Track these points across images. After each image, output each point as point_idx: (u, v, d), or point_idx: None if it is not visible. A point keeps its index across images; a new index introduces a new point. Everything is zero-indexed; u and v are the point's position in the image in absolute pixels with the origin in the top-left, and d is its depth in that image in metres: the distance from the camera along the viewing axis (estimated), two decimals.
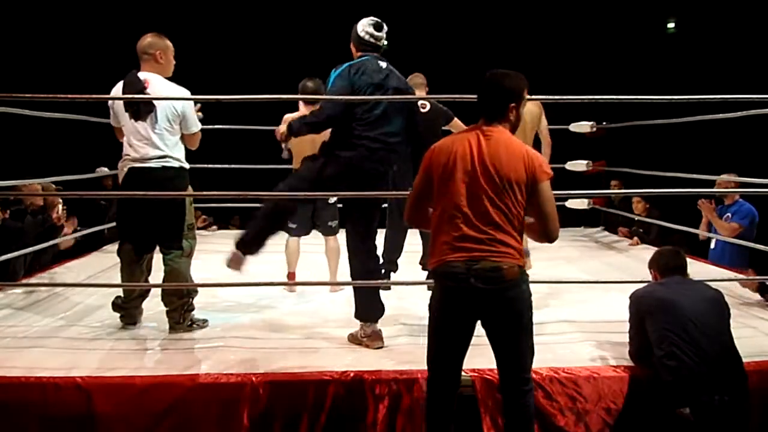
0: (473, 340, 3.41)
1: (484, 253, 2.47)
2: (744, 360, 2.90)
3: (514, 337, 2.54)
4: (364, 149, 3.34)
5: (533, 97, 4.67)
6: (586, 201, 5.58)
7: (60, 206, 5.25)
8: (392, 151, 3.44)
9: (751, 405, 2.84)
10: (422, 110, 4.51)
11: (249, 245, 3.42)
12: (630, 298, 3.10)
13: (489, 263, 2.46)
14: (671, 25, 10.19)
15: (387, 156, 3.42)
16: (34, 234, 4.99)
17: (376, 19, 3.47)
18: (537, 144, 4.95)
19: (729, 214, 5.28)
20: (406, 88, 3.56)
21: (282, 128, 3.57)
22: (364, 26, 3.46)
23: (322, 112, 3.40)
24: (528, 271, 4.71)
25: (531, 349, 2.58)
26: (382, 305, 3.47)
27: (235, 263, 3.42)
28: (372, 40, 3.45)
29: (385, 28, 3.48)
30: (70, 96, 3.49)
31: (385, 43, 3.50)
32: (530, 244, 4.93)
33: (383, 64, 3.46)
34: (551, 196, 2.53)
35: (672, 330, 2.83)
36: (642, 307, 3.00)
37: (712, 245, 5.44)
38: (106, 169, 6.54)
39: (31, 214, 5.10)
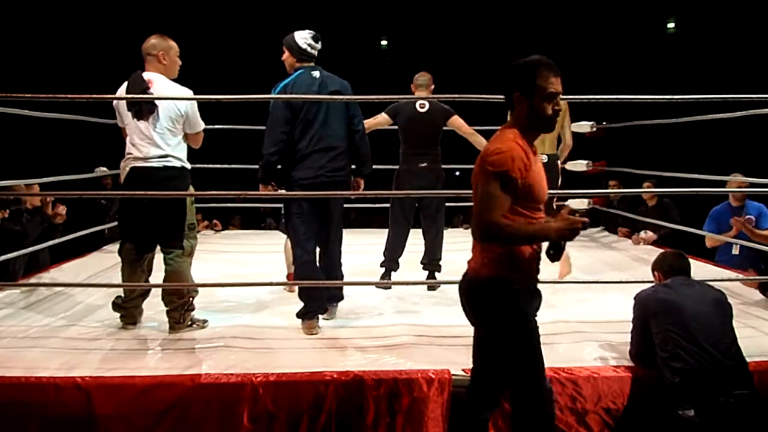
0: (472, 341, 3.45)
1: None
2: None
3: (490, 346, 2.53)
4: (315, 167, 3.61)
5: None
6: (586, 201, 5.57)
7: (51, 205, 5.23)
8: (340, 154, 3.68)
9: (760, 404, 2.83)
10: (421, 110, 4.53)
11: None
12: (634, 299, 3.10)
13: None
14: (671, 25, 10.20)
15: (338, 162, 3.66)
16: (35, 235, 4.98)
17: (313, 31, 3.75)
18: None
19: (751, 217, 5.06)
20: (343, 88, 3.77)
21: (261, 189, 3.75)
22: (305, 39, 3.71)
23: (268, 141, 3.63)
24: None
25: (517, 361, 2.44)
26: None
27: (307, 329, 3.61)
28: (312, 51, 3.73)
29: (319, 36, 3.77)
30: (69, 96, 3.49)
31: (319, 48, 3.76)
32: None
33: (316, 74, 3.71)
34: (484, 191, 2.31)
35: (676, 331, 2.83)
36: (646, 309, 3.00)
37: (736, 251, 5.16)
38: (105, 168, 6.54)
39: (28, 213, 5.08)
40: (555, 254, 2.45)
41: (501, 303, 2.41)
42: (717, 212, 5.34)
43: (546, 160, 4.65)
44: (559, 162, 4.81)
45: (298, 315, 3.65)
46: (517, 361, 2.44)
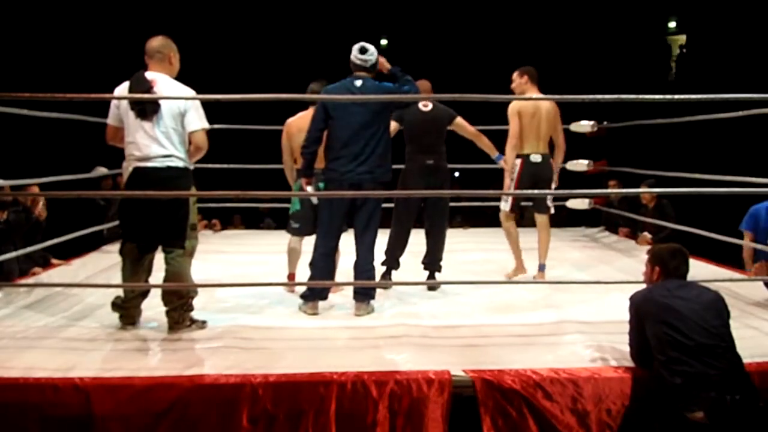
0: (472, 341, 3.45)
1: None
2: (745, 361, 2.89)
3: None
4: (341, 170, 3.87)
5: (531, 96, 4.69)
6: (587, 201, 5.56)
7: (41, 204, 5.22)
8: (369, 158, 3.88)
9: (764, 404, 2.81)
10: (424, 108, 4.54)
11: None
12: (629, 300, 3.08)
13: None
14: (672, 24, 10.20)
15: (366, 166, 3.88)
16: (21, 232, 4.94)
17: (362, 44, 3.98)
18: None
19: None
20: (380, 92, 3.94)
21: (303, 183, 4.04)
22: (353, 51, 3.97)
23: (306, 138, 3.96)
24: (528, 271, 4.76)
25: None
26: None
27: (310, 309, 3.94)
28: (359, 62, 3.95)
29: (371, 49, 3.97)
30: (68, 95, 3.47)
31: (372, 61, 3.95)
32: (530, 244, 4.95)
33: (358, 83, 3.92)
34: None
35: (672, 334, 2.81)
36: (640, 311, 2.98)
37: None
38: (104, 168, 6.52)
39: (12, 204, 5.01)
40: None
41: None
42: (757, 210, 4.50)
43: (540, 160, 4.73)
44: (552, 161, 4.83)
45: (302, 296, 3.98)
46: None
